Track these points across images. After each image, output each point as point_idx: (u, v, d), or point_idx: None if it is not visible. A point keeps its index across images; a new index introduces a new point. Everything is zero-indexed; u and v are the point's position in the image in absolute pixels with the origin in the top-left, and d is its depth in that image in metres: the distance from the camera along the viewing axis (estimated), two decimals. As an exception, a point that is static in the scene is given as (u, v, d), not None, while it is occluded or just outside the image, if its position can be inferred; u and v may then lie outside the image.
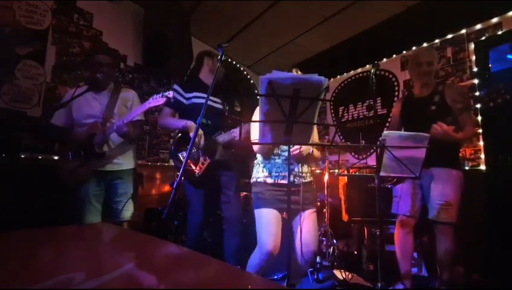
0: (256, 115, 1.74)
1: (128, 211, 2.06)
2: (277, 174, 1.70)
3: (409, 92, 2.32)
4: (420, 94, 2.14)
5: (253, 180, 1.79)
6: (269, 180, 1.70)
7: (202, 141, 2.00)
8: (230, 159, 2.12)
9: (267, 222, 1.63)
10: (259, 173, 1.76)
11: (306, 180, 1.76)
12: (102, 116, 2.01)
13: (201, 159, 2.03)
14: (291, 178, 1.67)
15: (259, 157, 1.81)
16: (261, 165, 1.77)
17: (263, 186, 1.70)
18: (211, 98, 2.16)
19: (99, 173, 1.99)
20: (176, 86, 2.19)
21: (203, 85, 2.20)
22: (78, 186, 1.98)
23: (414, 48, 3.40)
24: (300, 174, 1.73)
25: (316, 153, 1.79)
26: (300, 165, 1.75)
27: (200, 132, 1.98)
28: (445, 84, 2.17)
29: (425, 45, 3.26)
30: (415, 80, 2.20)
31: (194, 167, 2.01)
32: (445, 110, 1.96)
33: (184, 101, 2.16)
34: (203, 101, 2.06)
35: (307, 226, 1.65)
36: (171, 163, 3.73)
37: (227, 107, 2.24)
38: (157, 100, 1.83)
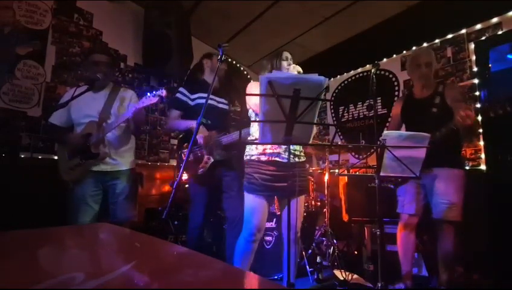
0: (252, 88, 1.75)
1: (126, 212, 2.06)
2: (271, 151, 1.69)
3: (410, 92, 2.31)
4: (421, 95, 2.14)
5: (246, 157, 1.77)
6: (263, 158, 1.69)
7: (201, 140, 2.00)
8: (233, 160, 2.13)
9: (254, 209, 1.68)
10: (253, 150, 1.74)
11: (300, 160, 1.76)
12: (99, 116, 2.02)
13: (205, 158, 2.04)
14: (285, 155, 1.66)
15: (254, 134, 1.80)
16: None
17: (256, 166, 1.69)
18: (216, 98, 2.20)
19: (96, 174, 1.99)
20: (181, 88, 2.23)
21: (208, 86, 2.21)
22: (75, 186, 1.98)
23: (414, 47, 3.40)
24: (294, 152, 1.72)
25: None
26: None
27: (205, 131, 1.99)
28: (446, 84, 2.16)
29: (425, 44, 3.26)
30: (415, 82, 2.20)
31: (197, 165, 2.02)
32: (446, 112, 1.94)
33: (189, 102, 2.19)
34: (208, 101, 2.09)
35: (295, 212, 1.66)
36: (171, 163, 3.78)
37: (233, 108, 2.25)
38: (150, 99, 1.82)
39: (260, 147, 1.72)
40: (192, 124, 2.03)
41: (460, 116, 1.68)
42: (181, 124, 2.18)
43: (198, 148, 2.05)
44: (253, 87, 1.72)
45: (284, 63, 1.76)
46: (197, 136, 1.96)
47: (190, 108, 2.18)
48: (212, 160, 2.03)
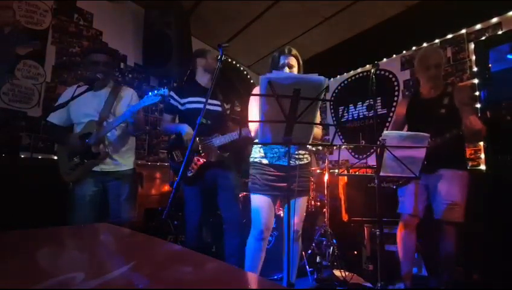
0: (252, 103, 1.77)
1: (126, 212, 2.05)
2: (272, 155, 1.72)
3: (416, 92, 2.27)
4: (429, 95, 2.11)
5: (251, 160, 1.81)
6: (264, 161, 1.73)
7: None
8: (227, 160, 2.13)
9: (258, 208, 1.70)
10: (256, 153, 1.78)
11: (303, 162, 1.77)
12: (99, 115, 2.01)
13: (195, 159, 2.05)
14: (286, 158, 1.66)
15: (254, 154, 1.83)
16: (259, 145, 1.78)
17: (258, 168, 1.73)
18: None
19: (97, 174, 1.98)
20: (171, 93, 2.22)
21: (199, 88, 2.20)
22: (75, 186, 1.97)
23: (414, 48, 3.40)
24: (296, 156, 1.74)
25: (317, 132, 1.78)
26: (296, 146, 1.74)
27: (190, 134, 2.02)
28: (455, 85, 2.13)
29: (425, 44, 3.25)
30: (423, 82, 2.16)
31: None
32: (455, 113, 1.93)
33: (180, 106, 2.20)
34: (196, 106, 2.13)
35: (296, 212, 1.69)
36: (171, 163, 3.78)
37: (227, 106, 2.23)
38: (151, 98, 1.82)
39: (262, 152, 1.75)
40: (179, 128, 2.09)
41: (471, 127, 1.68)
42: (170, 127, 2.23)
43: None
44: (253, 100, 1.75)
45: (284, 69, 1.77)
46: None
47: (181, 112, 2.21)
48: (202, 161, 2.05)
